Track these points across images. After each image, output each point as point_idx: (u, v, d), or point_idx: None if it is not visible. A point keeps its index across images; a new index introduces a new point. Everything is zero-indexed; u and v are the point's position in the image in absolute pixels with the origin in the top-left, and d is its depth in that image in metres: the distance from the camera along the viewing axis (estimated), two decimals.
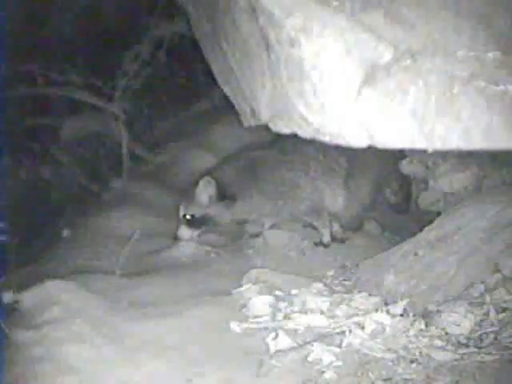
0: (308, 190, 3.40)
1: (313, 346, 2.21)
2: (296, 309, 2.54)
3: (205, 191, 3.25)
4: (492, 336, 2.16)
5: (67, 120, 4.44)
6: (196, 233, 3.36)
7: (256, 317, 2.51)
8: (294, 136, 2.16)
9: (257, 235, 3.54)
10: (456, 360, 2.06)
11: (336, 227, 3.58)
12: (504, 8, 1.80)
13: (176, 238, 3.36)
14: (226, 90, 2.81)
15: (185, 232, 3.34)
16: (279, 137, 2.87)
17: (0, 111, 2.79)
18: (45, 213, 3.69)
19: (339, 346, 2.22)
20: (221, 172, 3.35)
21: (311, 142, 2.21)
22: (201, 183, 3.24)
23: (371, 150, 1.98)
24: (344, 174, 3.43)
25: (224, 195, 3.27)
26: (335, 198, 3.45)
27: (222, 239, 3.54)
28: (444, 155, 3.46)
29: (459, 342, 2.16)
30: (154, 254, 3.31)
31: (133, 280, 2.88)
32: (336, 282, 2.92)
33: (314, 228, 3.54)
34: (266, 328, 2.41)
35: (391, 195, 3.73)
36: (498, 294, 2.33)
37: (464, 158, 3.43)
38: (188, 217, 3.31)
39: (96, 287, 2.69)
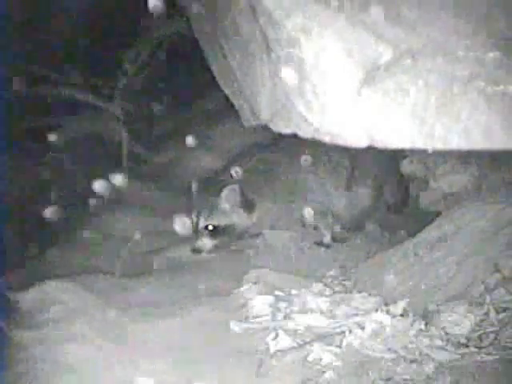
0: (317, 192, 3.39)
1: (313, 346, 2.21)
2: (296, 309, 2.54)
3: (229, 199, 3.18)
4: (492, 336, 2.16)
5: (67, 120, 4.44)
6: (216, 242, 3.28)
7: (256, 317, 2.51)
8: (297, 137, 2.16)
9: (257, 235, 3.54)
10: (456, 360, 2.06)
11: (337, 228, 3.58)
12: (504, 8, 1.80)
13: (195, 251, 3.24)
14: (226, 90, 2.81)
15: (206, 243, 3.24)
16: (282, 137, 2.86)
17: (0, 111, 2.79)
18: (44, 213, 3.68)
19: (339, 346, 2.22)
20: (231, 177, 3.28)
21: (315, 143, 2.21)
22: (225, 191, 3.16)
23: (371, 150, 1.98)
24: (347, 175, 3.43)
25: (246, 202, 3.22)
26: (340, 200, 3.45)
27: (222, 239, 3.54)
28: (444, 155, 3.46)
29: (459, 342, 2.16)
30: (153, 254, 3.31)
31: (133, 280, 2.88)
32: (336, 282, 2.91)
33: (315, 228, 3.54)
34: (265, 328, 2.41)
35: (389, 195, 3.74)
36: (498, 293, 2.33)
37: (464, 157, 3.43)
38: (210, 227, 3.22)
39: (96, 287, 2.70)
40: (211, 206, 3.23)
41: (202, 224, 3.24)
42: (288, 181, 3.35)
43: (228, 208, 3.21)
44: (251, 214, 3.28)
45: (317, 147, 3.28)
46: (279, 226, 3.50)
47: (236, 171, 3.31)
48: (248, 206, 3.25)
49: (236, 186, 3.17)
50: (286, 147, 3.38)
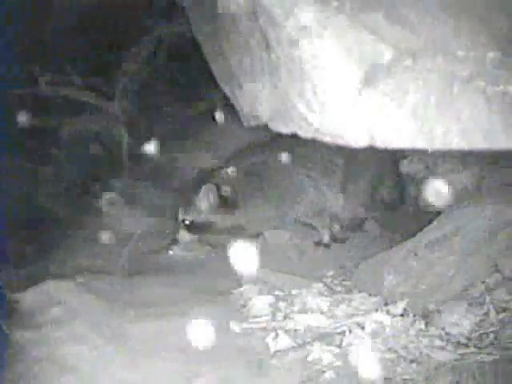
0: (311, 192, 3.40)
1: (313, 346, 2.21)
2: (296, 309, 2.54)
3: (206, 198, 3.21)
4: (492, 336, 2.16)
5: (67, 120, 4.44)
6: (196, 237, 3.34)
7: (256, 317, 2.51)
8: (292, 137, 2.16)
9: (257, 235, 3.54)
10: (456, 360, 2.06)
11: (336, 227, 3.58)
12: (504, 8, 1.80)
13: (175, 241, 3.33)
14: (226, 89, 2.81)
15: (184, 236, 3.32)
16: (277, 137, 2.86)
17: (0, 111, 2.79)
18: (45, 213, 3.68)
19: (339, 346, 2.22)
20: (223, 177, 3.32)
21: (309, 143, 2.20)
22: (202, 190, 3.21)
23: (368, 149, 1.98)
24: (342, 175, 3.43)
25: (226, 201, 3.25)
26: (335, 200, 3.45)
27: (221, 239, 3.54)
28: (444, 155, 3.46)
29: (459, 342, 2.16)
30: (153, 254, 3.31)
31: (133, 280, 2.88)
32: (336, 281, 2.92)
33: (314, 228, 3.54)
34: (265, 328, 2.41)
35: (386, 193, 3.74)
36: (498, 294, 2.33)
37: (464, 157, 3.43)
38: (187, 222, 3.29)
39: (96, 287, 2.70)
40: (189, 203, 3.28)
41: (179, 218, 3.31)
42: (281, 181, 3.36)
43: (205, 207, 3.24)
44: (231, 214, 3.29)
45: (312, 147, 3.29)
46: (271, 227, 3.51)
47: (231, 171, 3.34)
48: (227, 205, 3.26)
49: (211, 186, 3.21)
50: (281, 147, 3.38)
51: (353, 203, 3.49)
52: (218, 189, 3.22)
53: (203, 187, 3.22)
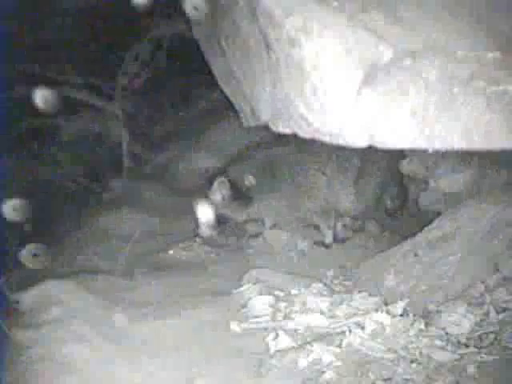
0: (324, 189, 3.39)
1: (313, 346, 2.21)
2: (296, 309, 2.54)
3: (219, 192, 3.25)
4: (492, 336, 2.16)
5: (67, 120, 4.44)
6: (215, 232, 3.34)
7: (256, 317, 2.51)
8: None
9: (257, 235, 3.54)
10: (456, 360, 2.06)
11: (339, 227, 3.57)
12: (504, 8, 1.80)
13: (197, 237, 3.38)
14: (226, 90, 2.80)
15: (205, 231, 3.30)
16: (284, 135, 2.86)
17: (0, 111, 2.78)
18: (44, 213, 3.68)
19: (339, 346, 2.22)
20: (236, 171, 3.34)
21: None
22: (215, 184, 3.24)
23: (379, 150, 1.97)
24: (356, 174, 3.41)
25: (239, 195, 3.28)
26: (347, 199, 3.44)
27: (222, 239, 3.54)
28: (444, 155, 3.46)
29: (459, 342, 2.16)
30: (153, 254, 3.31)
31: (133, 280, 2.88)
32: (336, 281, 2.92)
33: (316, 228, 3.53)
34: (265, 328, 2.41)
35: (389, 200, 3.73)
36: (498, 294, 2.33)
37: (464, 157, 3.43)
38: (204, 217, 3.30)
39: (96, 287, 2.70)
40: (204, 197, 3.28)
41: (197, 213, 3.30)
42: (293, 177, 3.35)
43: (219, 200, 3.27)
44: (246, 207, 3.32)
45: (328, 144, 3.27)
46: (283, 223, 3.51)
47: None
48: (240, 199, 3.29)
49: (224, 179, 3.24)
50: (296, 143, 3.35)
51: (362, 203, 3.48)
52: (232, 181, 3.24)
53: (215, 182, 3.24)
